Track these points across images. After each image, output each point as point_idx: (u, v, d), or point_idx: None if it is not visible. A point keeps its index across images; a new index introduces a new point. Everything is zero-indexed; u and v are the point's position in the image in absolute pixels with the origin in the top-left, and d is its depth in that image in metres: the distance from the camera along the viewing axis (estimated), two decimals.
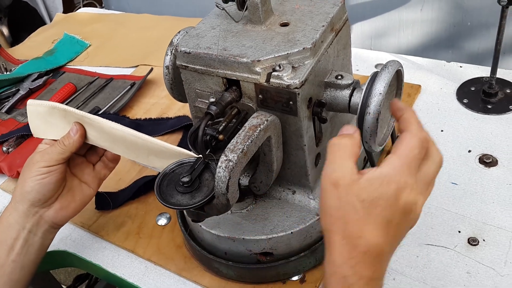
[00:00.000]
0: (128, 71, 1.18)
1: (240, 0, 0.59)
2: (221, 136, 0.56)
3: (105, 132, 0.64)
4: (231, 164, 0.49)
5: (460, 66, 0.98)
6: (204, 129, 0.54)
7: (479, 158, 0.78)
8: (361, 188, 0.44)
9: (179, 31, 0.68)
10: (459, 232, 0.69)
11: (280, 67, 0.54)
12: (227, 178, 0.49)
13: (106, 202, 0.83)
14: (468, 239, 0.68)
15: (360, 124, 0.57)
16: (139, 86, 1.07)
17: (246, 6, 0.59)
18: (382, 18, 1.13)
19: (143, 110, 1.04)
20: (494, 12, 1.00)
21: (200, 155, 0.56)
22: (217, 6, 0.59)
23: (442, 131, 0.85)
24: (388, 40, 1.15)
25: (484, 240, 0.67)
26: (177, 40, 0.66)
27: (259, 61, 0.55)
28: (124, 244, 0.76)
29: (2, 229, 0.61)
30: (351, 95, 0.60)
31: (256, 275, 0.66)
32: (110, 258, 0.76)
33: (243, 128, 0.52)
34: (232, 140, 0.51)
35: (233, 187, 0.50)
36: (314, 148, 0.63)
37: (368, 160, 0.73)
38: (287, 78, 0.54)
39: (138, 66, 1.19)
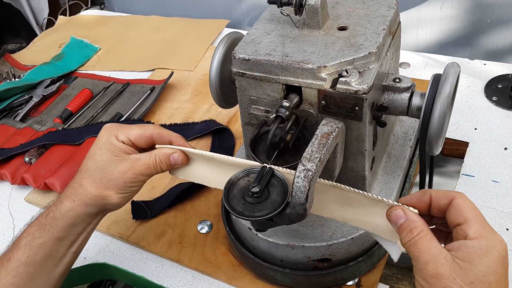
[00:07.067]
0: (144, 75, 1.15)
1: (298, 5, 0.58)
2: (288, 136, 0.56)
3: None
4: (310, 173, 0.48)
5: (484, 64, 0.99)
6: (274, 133, 0.53)
7: None
8: (465, 269, 0.40)
9: (223, 37, 0.66)
10: (507, 229, 0.69)
11: (347, 72, 0.54)
12: (307, 188, 0.48)
13: (143, 211, 0.81)
14: None
15: (424, 127, 0.57)
16: (161, 91, 1.05)
17: (303, 10, 0.58)
18: (401, 16, 1.13)
19: (166, 115, 1.02)
20: None
21: (264, 164, 0.55)
22: (281, 13, 0.58)
23: (475, 129, 0.86)
24: (406, 37, 1.16)
25: None
26: (224, 45, 0.65)
27: (325, 67, 0.54)
28: (168, 254, 0.75)
29: (65, 226, 0.58)
30: (410, 98, 0.60)
31: (313, 281, 0.65)
32: (154, 268, 0.74)
33: (315, 136, 0.51)
34: (307, 149, 0.50)
35: (311, 196, 0.49)
36: (371, 152, 0.63)
37: (420, 165, 0.73)
38: (355, 83, 0.53)
39: (154, 70, 1.16)
